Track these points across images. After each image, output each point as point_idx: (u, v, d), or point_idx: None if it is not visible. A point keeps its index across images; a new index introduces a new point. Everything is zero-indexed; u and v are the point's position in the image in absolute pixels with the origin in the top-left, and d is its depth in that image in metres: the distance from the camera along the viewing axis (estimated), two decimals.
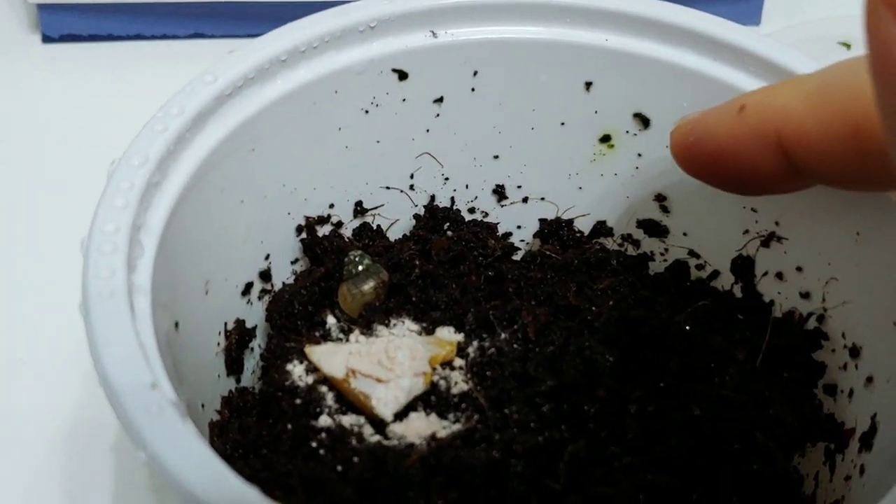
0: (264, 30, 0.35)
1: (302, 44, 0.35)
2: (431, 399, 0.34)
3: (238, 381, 0.37)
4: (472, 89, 0.39)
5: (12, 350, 0.43)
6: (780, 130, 0.29)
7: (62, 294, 0.44)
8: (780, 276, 0.38)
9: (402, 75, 0.38)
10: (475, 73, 0.39)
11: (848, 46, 0.60)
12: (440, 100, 0.39)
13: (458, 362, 0.35)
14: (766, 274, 0.38)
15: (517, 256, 0.41)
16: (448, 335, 0.36)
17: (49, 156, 0.52)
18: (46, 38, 0.57)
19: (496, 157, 0.41)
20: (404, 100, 0.38)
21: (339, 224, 0.40)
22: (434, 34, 0.38)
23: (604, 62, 0.38)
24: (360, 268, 0.37)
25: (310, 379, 0.34)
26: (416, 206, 0.41)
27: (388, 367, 0.33)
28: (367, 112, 0.38)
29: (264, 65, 0.34)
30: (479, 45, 0.38)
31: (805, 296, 0.37)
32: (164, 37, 0.58)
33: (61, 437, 0.41)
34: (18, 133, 0.53)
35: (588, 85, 0.39)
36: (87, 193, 0.46)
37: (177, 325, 0.31)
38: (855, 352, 0.34)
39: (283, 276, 0.39)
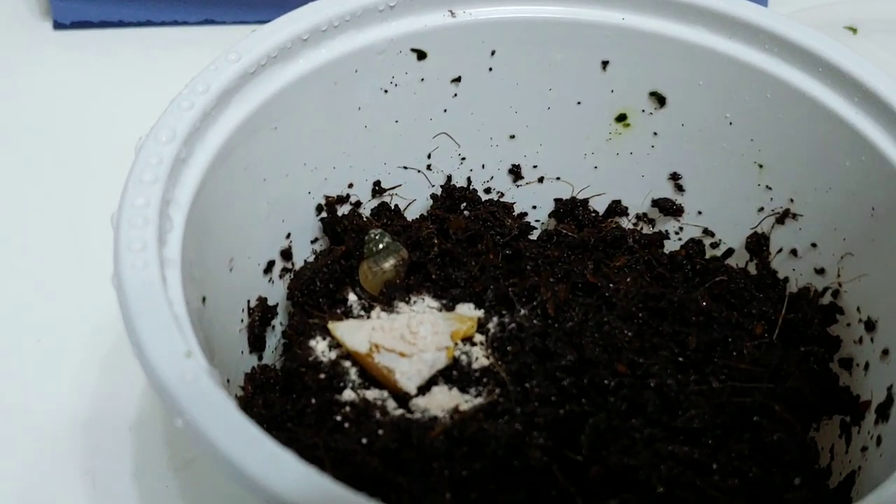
0: (274, 16, 0.35)
1: (323, 23, 0.36)
2: (453, 374, 0.34)
3: (260, 357, 0.37)
4: (490, 69, 0.39)
5: (32, 332, 0.44)
6: None
7: (79, 276, 0.46)
8: (794, 252, 0.38)
9: (421, 55, 0.38)
10: (493, 53, 0.39)
11: (854, 31, 0.60)
12: (458, 79, 0.39)
13: (479, 338, 0.36)
14: (780, 251, 0.39)
15: (533, 235, 0.42)
16: (468, 311, 0.36)
17: (62, 140, 0.52)
18: (58, 25, 0.57)
19: (512, 136, 0.41)
20: (423, 79, 0.39)
21: (358, 203, 0.40)
22: (452, 14, 0.38)
23: (620, 41, 0.38)
24: (381, 246, 0.37)
25: (333, 354, 0.35)
26: (433, 186, 0.42)
27: (411, 342, 0.33)
28: (386, 92, 0.38)
29: (286, 44, 0.35)
30: (497, 24, 0.38)
31: (820, 271, 0.37)
32: (175, 23, 0.58)
33: (81, 418, 0.41)
34: (31, 118, 0.53)
35: (604, 64, 0.39)
36: (101, 175, 0.46)
37: (204, 300, 0.31)
38: (870, 325, 0.35)
39: (303, 254, 0.39)
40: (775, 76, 0.36)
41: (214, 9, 0.58)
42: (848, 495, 0.33)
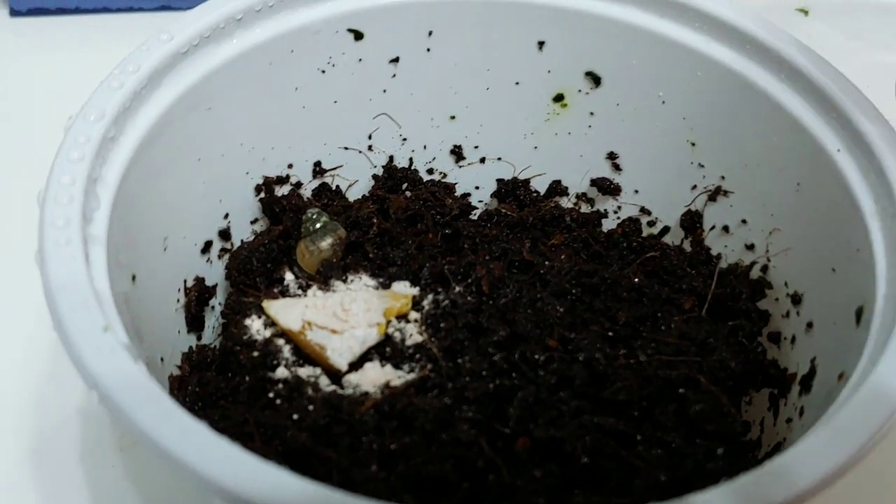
0: None
1: (257, 3, 0.36)
2: (386, 350, 0.35)
3: (199, 338, 0.38)
4: (428, 49, 0.40)
5: None
6: None
7: (25, 258, 0.45)
8: (726, 229, 0.39)
9: (358, 35, 0.38)
10: (430, 34, 0.39)
11: (805, 13, 0.61)
12: (396, 60, 0.40)
13: (414, 315, 0.36)
14: (713, 228, 0.40)
15: (474, 215, 0.42)
16: (404, 289, 0.36)
17: (20, 127, 0.52)
18: (14, 12, 0.57)
19: (453, 117, 0.42)
20: (360, 60, 0.39)
21: (299, 184, 0.41)
22: None
23: (555, 21, 0.39)
24: (318, 225, 0.38)
25: (267, 333, 0.35)
26: (375, 166, 0.42)
27: (343, 319, 0.34)
28: (323, 72, 0.39)
29: (220, 24, 0.35)
30: (434, 5, 0.39)
31: (750, 247, 0.38)
32: (131, 9, 0.58)
33: (27, 400, 0.41)
34: None
35: (541, 44, 0.40)
36: (48, 159, 0.47)
37: (134, 278, 0.32)
38: (797, 299, 0.35)
39: (242, 235, 0.39)
40: (705, 54, 0.37)
41: None
42: None
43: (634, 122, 0.40)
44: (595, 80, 0.40)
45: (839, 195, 0.33)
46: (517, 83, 0.41)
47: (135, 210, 0.32)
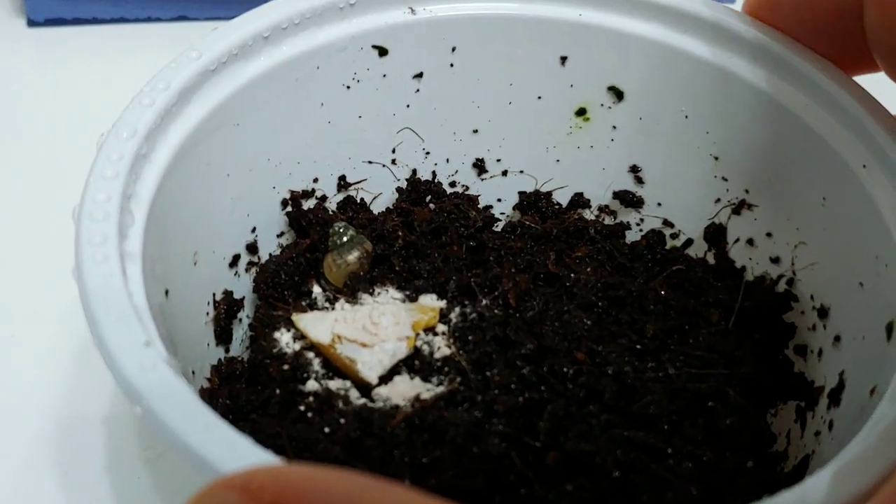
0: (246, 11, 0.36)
1: (284, 20, 0.36)
2: (415, 363, 0.35)
3: (227, 350, 0.38)
4: (451, 65, 0.40)
5: (2, 325, 0.44)
6: None
7: (51, 270, 0.45)
8: (750, 242, 0.39)
9: (382, 51, 0.39)
10: (453, 50, 0.40)
11: None
12: (420, 75, 0.40)
13: (441, 328, 0.36)
14: (737, 241, 0.40)
15: (497, 227, 0.43)
16: (431, 302, 0.37)
17: (35, 137, 0.53)
18: (32, 23, 0.58)
19: (475, 131, 0.42)
20: (385, 75, 0.39)
21: (324, 198, 0.41)
22: (413, 11, 0.39)
23: (578, 37, 0.39)
24: (345, 238, 0.38)
25: (297, 346, 0.35)
26: (399, 179, 0.42)
27: (373, 332, 0.34)
28: (348, 88, 0.39)
29: (248, 41, 0.35)
30: (457, 21, 0.39)
31: (775, 260, 0.38)
32: (148, 20, 0.59)
33: (53, 412, 0.41)
34: (4, 115, 0.54)
35: (563, 59, 0.40)
36: (73, 171, 0.47)
37: (167, 293, 0.32)
38: (823, 312, 0.36)
39: (269, 248, 0.40)
40: (729, 71, 0.37)
41: (188, 5, 0.58)
42: (802, 478, 0.34)
43: (657, 136, 0.40)
44: (618, 94, 0.40)
45: (865, 211, 0.33)
46: (539, 97, 0.41)
47: (167, 226, 0.32)
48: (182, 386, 0.25)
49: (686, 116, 0.39)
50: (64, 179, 0.48)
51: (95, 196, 0.29)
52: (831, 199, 0.35)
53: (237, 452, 0.24)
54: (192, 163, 0.34)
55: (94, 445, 0.40)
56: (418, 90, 0.40)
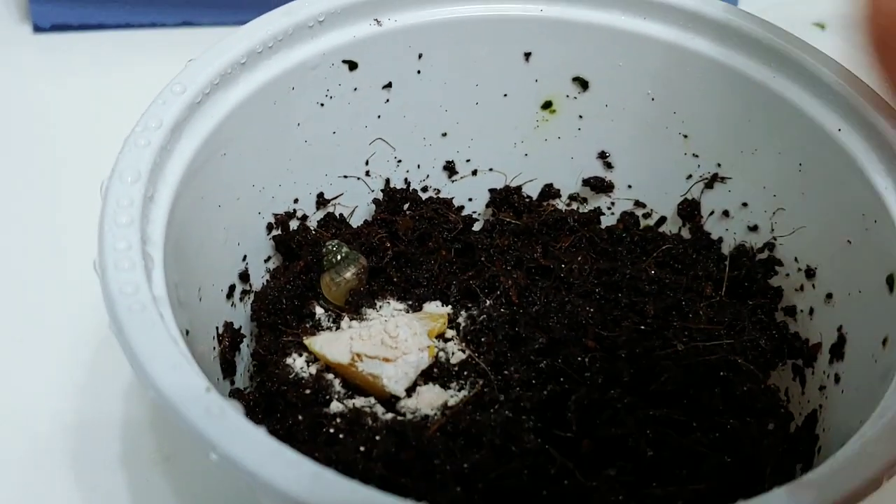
0: (251, 17, 0.36)
1: (258, 45, 0.36)
2: (434, 371, 0.35)
3: (232, 383, 0.37)
4: (419, 72, 0.40)
5: (14, 330, 0.44)
6: None
7: (59, 275, 0.46)
8: (726, 213, 0.41)
9: (352, 65, 0.39)
10: (420, 56, 0.40)
11: (822, 27, 0.62)
12: (389, 85, 0.40)
13: (450, 333, 0.37)
14: (712, 213, 0.41)
15: (476, 227, 0.43)
16: (437, 309, 0.37)
17: (41, 142, 0.52)
18: (37, 28, 0.57)
19: (444, 134, 0.42)
20: (356, 89, 0.39)
21: (305, 217, 0.41)
22: (378, 22, 0.39)
23: (540, 32, 0.40)
24: (339, 256, 0.38)
25: (312, 370, 0.35)
26: (373, 191, 0.42)
27: (392, 346, 0.34)
28: (322, 105, 0.39)
29: (227, 69, 0.35)
30: (422, 28, 0.39)
31: (753, 228, 0.40)
32: (153, 25, 0.58)
33: (66, 415, 0.41)
34: (10, 121, 0.53)
35: (527, 56, 0.41)
36: (79, 176, 0.46)
37: (187, 333, 0.31)
38: (810, 273, 0.37)
39: (258, 274, 0.39)
40: (692, 50, 0.38)
41: (192, 11, 0.57)
42: (813, 433, 0.35)
43: (624, 121, 0.41)
44: (583, 84, 0.41)
45: (846, 173, 0.35)
46: (505, 95, 0.42)
47: (176, 265, 0.32)
48: (251, 427, 0.25)
49: (652, 99, 0.40)
50: (70, 184, 0.49)
51: (116, 245, 0.29)
52: (808, 164, 0.37)
53: (324, 485, 0.24)
54: (189, 199, 0.33)
55: (108, 446, 0.40)
56: (388, 100, 0.40)
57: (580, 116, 0.42)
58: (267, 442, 0.25)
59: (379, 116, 0.41)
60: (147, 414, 0.42)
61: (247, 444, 0.25)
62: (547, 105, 0.42)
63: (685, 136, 0.40)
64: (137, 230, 0.29)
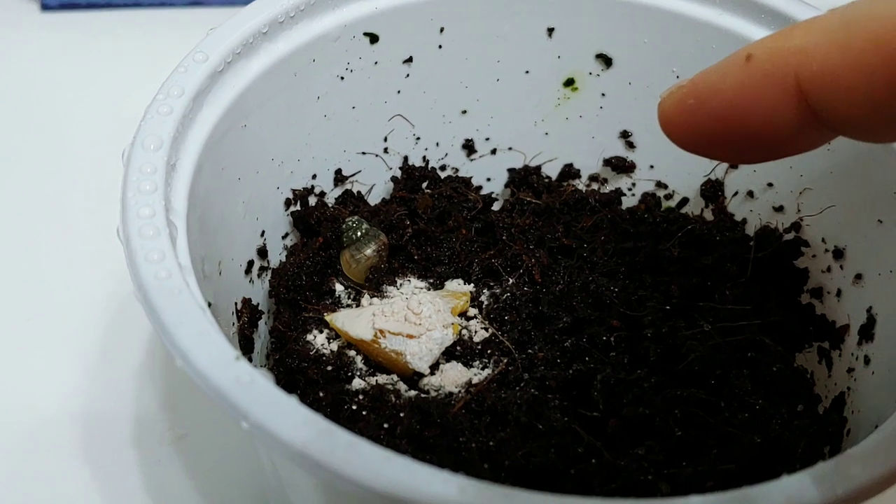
0: None
1: (280, 14, 0.35)
2: (456, 349, 0.35)
3: (250, 360, 0.37)
4: (440, 46, 0.40)
5: (23, 310, 0.44)
6: (799, 73, 0.26)
7: (70, 254, 0.45)
8: (750, 194, 0.40)
9: (374, 38, 0.38)
10: (441, 30, 0.39)
11: None
12: (409, 60, 0.39)
13: (472, 311, 0.36)
14: (736, 194, 0.41)
15: (496, 207, 0.42)
16: (459, 287, 0.36)
17: (50, 122, 0.52)
18: (45, 7, 0.57)
19: (464, 112, 0.42)
20: (376, 63, 0.39)
21: (322, 194, 0.40)
22: None
23: (565, 7, 0.39)
24: (360, 233, 0.37)
25: (334, 346, 0.35)
26: (391, 168, 0.42)
27: (416, 323, 0.34)
28: (342, 79, 0.38)
29: (248, 39, 0.34)
30: (445, 1, 0.38)
31: (779, 209, 0.39)
32: (162, 5, 0.58)
33: (76, 396, 0.41)
34: (19, 100, 0.53)
35: (550, 31, 0.40)
36: (89, 156, 0.49)
37: (210, 305, 0.31)
38: (838, 253, 0.37)
39: (276, 250, 0.39)
40: (719, 27, 0.38)
41: None
42: (842, 414, 0.35)
43: (647, 99, 0.41)
44: (606, 61, 0.40)
45: (878, 151, 0.34)
46: (527, 72, 0.41)
47: (200, 236, 0.31)
48: (282, 395, 0.24)
49: (677, 77, 0.39)
50: (80, 165, 0.49)
51: (140, 212, 0.28)
52: (836, 142, 0.36)
53: (358, 453, 0.24)
54: (210, 170, 0.33)
55: (120, 426, 0.40)
56: (408, 75, 0.40)
57: (602, 94, 0.41)
58: (300, 410, 0.24)
59: (399, 92, 0.40)
60: (159, 394, 0.41)
61: (279, 413, 0.24)
62: (569, 83, 0.41)
63: None
64: (161, 197, 0.29)
